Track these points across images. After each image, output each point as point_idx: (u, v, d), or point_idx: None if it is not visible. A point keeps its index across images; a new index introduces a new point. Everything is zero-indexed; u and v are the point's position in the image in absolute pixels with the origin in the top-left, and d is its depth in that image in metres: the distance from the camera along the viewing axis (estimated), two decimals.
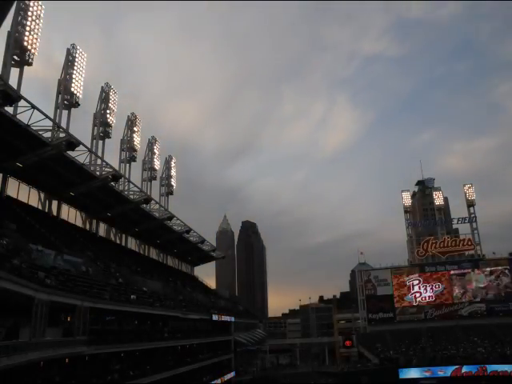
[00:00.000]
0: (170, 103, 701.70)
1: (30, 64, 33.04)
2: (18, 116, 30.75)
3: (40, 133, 32.89)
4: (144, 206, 51.57)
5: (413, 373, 64.57)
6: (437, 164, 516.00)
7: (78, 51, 40.01)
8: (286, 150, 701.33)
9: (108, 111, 46.62)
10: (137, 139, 52.92)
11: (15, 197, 37.52)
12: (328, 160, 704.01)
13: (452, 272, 79.76)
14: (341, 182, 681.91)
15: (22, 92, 29.95)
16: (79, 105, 40.01)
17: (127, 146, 51.78)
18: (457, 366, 63.66)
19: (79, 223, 47.75)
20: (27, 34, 32.10)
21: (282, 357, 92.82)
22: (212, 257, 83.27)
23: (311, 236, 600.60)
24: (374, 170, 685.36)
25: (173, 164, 64.59)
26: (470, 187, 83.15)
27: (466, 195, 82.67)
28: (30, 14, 32.35)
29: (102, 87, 46.95)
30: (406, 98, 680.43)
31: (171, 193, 63.43)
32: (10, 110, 29.99)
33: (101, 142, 46.08)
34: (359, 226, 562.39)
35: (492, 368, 62.30)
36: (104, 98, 46.73)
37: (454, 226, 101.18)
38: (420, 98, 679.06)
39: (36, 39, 32.89)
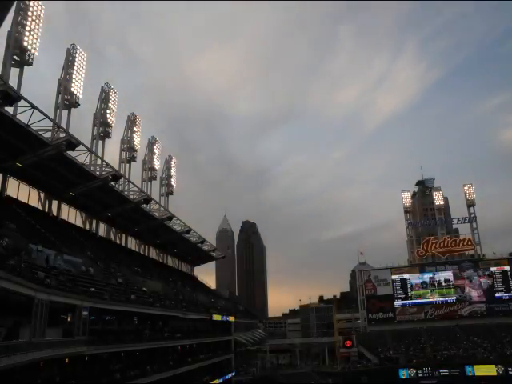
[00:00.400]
0: (201, 52, 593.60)
1: (30, 64, 33.03)
2: (18, 116, 30.74)
3: (40, 133, 32.87)
4: (144, 205, 51.56)
5: (413, 373, 64.64)
6: (494, 139, 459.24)
7: (78, 51, 40.02)
8: (329, 118, 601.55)
9: (108, 111, 46.60)
10: (137, 139, 52.92)
11: (15, 197, 37.54)
12: (374, 131, 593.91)
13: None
14: (382, 158, 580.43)
15: (22, 92, 29.96)
16: (79, 105, 40.00)
17: (127, 146, 51.76)
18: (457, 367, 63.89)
19: (79, 223, 47.77)
20: (27, 34, 32.11)
21: (282, 357, 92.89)
22: (212, 257, 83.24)
23: (324, 230, 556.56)
24: (421, 146, 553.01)
25: (173, 164, 64.59)
26: (470, 187, 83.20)
27: (465, 195, 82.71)
28: (29, 14, 32.33)
29: (102, 87, 46.95)
30: (483, 48, 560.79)
31: (171, 193, 63.45)
32: (10, 110, 30.01)
33: (101, 142, 46.08)
34: (386, 215, 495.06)
35: (491, 368, 62.50)
36: (104, 98, 46.72)
37: (454, 226, 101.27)
38: (498, 50, 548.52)
39: (36, 39, 32.89)
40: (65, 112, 39.00)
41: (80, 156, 37.80)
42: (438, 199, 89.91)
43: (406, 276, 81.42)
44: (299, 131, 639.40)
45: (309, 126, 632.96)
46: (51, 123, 33.45)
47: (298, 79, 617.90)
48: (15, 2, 29.19)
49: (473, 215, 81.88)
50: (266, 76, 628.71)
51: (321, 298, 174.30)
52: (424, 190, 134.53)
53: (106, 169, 41.94)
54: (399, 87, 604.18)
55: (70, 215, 45.77)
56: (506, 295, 76.98)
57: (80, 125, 48.30)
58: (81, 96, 39.87)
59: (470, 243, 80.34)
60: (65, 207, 44.61)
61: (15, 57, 32.21)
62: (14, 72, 32.07)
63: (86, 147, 37.62)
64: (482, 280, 78.48)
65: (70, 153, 36.14)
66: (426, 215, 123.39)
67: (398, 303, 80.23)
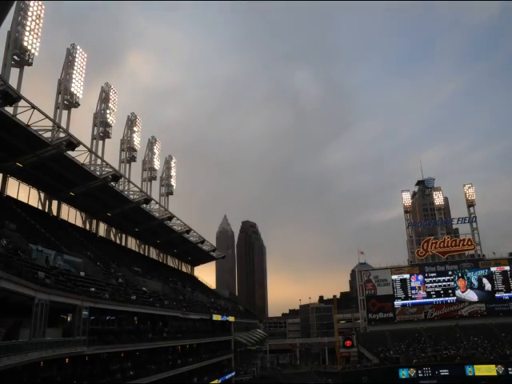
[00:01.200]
0: None
1: (29, 64, 33.06)
2: (18, 116, 30.76)
3: (40, 133, 32.88)
4: (144, 206, 51.56)
5: (413, 373, 64.61)
6: None
7: (78, 51, 40.04)
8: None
9: (108, 111, 46.65)
10: (137, 139, 52.94)
11: (15, 197, 37.56)
12: None
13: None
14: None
15: (22, 92, 29.97)
16: (79, 105, 40.06)
17: (127, 146, 51.80)
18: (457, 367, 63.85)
19: (79, 223, 47.81)
20: (27, 33, 32.14)
21: (282, 357, 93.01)
22: (212, 257, 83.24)
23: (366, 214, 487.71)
24: None
25: (173, 164, 64.60)
26: (469, 187, 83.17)
27: (466, 195, 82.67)
28: (29, 13, 32.39)
29: (102, 87, 46.99)
30: None
31: (171, 193, 63.49)
32: (10, 110, 30.01)
33: (101, 142, 46.11)
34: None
35: (491, 368, 62.47)
36: (104, 98, 46.76)
37: (454, 226, 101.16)
38: None
39: (36, 39, 32.91)
40: (65, 112, 39.05)
41: (80, 156, 37.87)
42: (437, 199, 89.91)
43: (405, 276, 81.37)
44: (413, 43, 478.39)
45: (427, 34, 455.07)
46: (51, 123, 33.46)
47: None
48: (15, 2, 29.21)
49: (473, 215, 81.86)
50: None
51: (321, 298, 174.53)
52: (424, 189, 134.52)
53: (106, 169, 41.95)
54: None
55: (70, 215, 45.84)
56: (505, 295, 76.91)
57: (80, 125, 48.31)
58: (81, 96, 39.96)
59: (470, 243, 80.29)
60: (65, 207, 44.64)
61: (15, 57, 32.24)
62: (14, 72, 32.13)
63: (86, 147, 37.62)
64: (482, 280, 78.44)
65: (70, 153, 36.16)
66: (426, 215, 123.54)
67: (397, 303, 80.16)
